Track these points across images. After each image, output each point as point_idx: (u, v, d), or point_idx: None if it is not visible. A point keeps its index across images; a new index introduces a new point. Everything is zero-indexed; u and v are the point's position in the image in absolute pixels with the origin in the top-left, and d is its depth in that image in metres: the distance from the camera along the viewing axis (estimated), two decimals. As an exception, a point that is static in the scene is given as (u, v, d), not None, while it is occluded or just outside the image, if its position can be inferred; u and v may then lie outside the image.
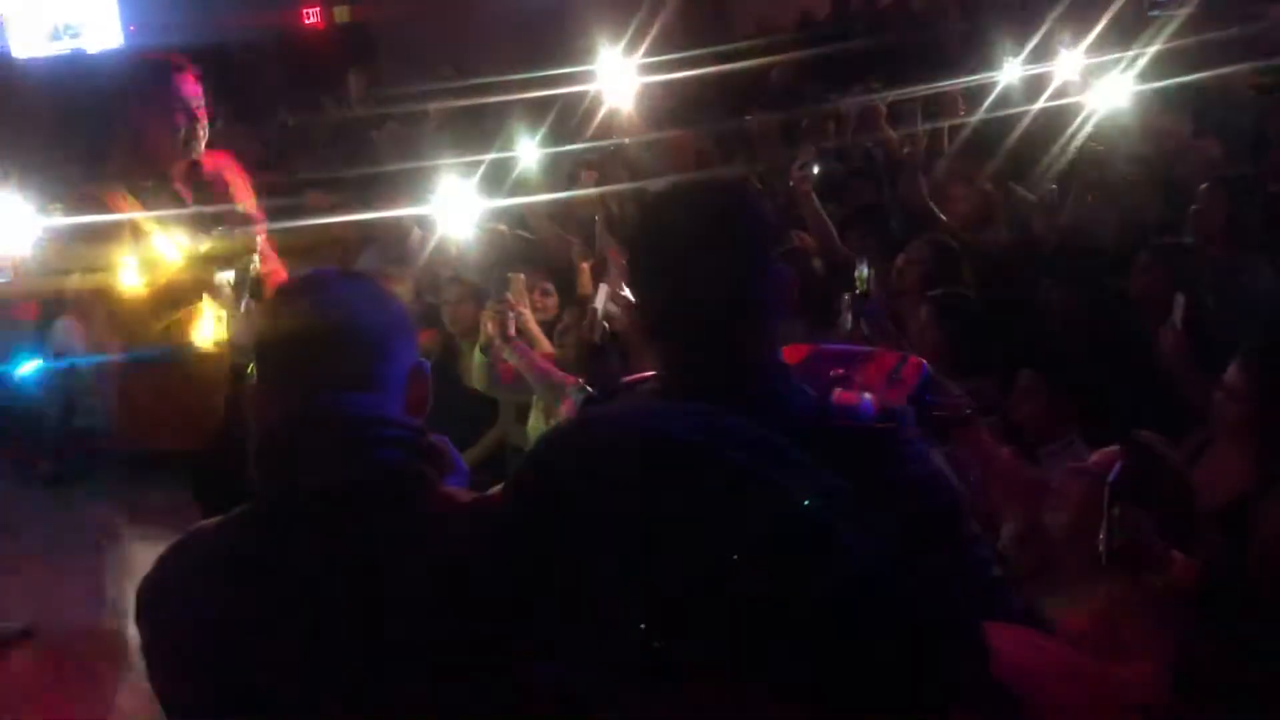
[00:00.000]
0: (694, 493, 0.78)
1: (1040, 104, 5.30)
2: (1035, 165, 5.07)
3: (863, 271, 3.67)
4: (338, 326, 1.35)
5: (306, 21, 11.67)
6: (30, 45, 10.50)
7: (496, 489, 1.40)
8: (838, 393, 1.40)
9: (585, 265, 4.72)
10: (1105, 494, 1.80)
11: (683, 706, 0.77)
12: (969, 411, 1.78)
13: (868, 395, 1.41)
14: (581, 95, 6.38)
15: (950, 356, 3.18)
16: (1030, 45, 6.00)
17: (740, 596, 0.75)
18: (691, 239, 1.42)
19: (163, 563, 1.35)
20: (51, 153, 8.71)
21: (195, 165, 3.10)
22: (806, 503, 0.79)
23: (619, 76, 5.80)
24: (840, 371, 1.47)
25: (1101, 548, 1.77)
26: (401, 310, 1.46)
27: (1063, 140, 4.89)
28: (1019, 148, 5.25)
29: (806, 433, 1.14)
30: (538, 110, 6.55)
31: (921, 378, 1.64)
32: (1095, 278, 3.88)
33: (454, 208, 4.31)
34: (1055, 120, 5.20)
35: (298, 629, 1.25)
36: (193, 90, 3.11)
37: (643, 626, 0.76)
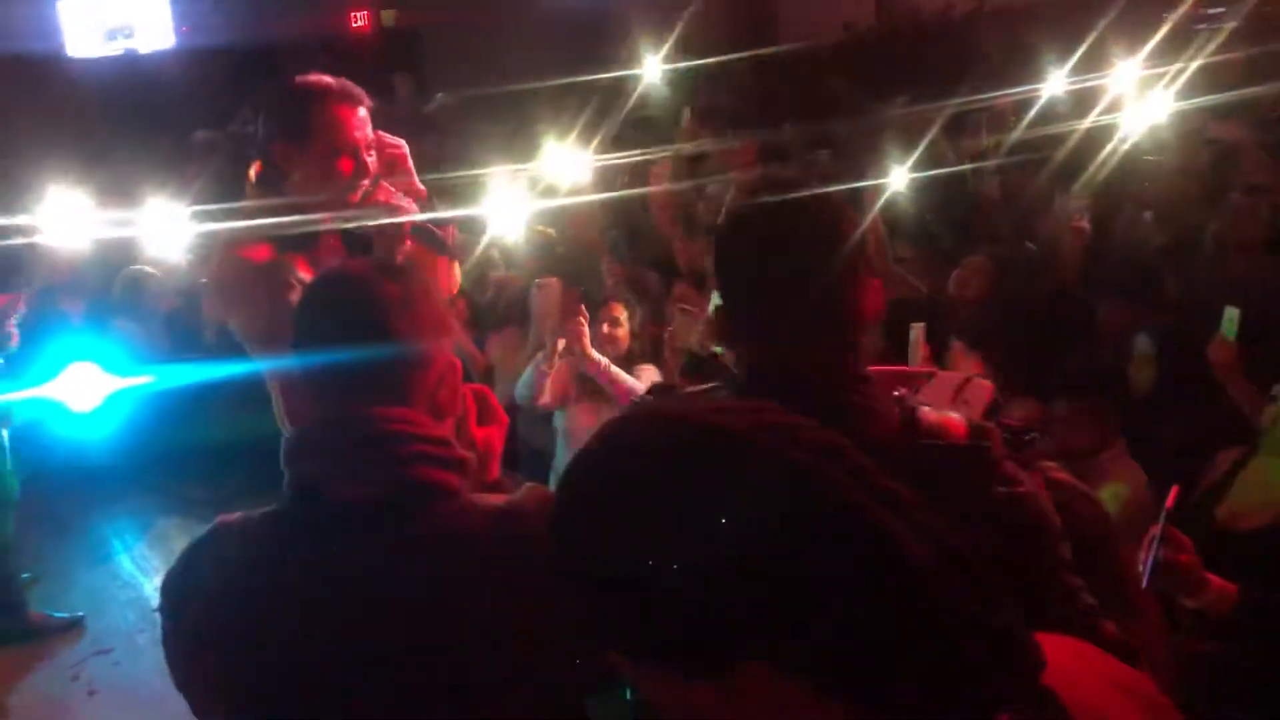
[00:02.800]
0: (747, 486, 0.77)
1: (1090, 119, 5.25)
2: (1077, 178, 5.04)
3: None
4: (374, 333, 1.34)
5: (354, 25, 11.78)
6: (85, 45, 10.69)
7: (524, 490, 1.41)
8: (925, 411, 1.37)
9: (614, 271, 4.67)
10: (1162, 519, 1.79)
11: (726, 700, 0.77)
12: (1033, 435, 1.77)
13: (955, 414, 1.38)
14: (626, 98, 6.41)
15: (1004, 373, 3.16)
16: (1074, 58, 5.95)
17: (790, 592, 0.75)
18: (789, 246, 1.39)
19: (187, 558, 1.35)
20: (104, 151, 8.88)
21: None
22: (862, 503, 0.77)
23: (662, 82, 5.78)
24: (903, 391, 1.43)
25: (1142, 569, 1.75)
26: (437, 308, 1.44)
27: (1107, 153, 4.84)
28: (1063, 161, 5.21)
29: (891, 447, 1.13)
30: (581, 112, 6.57)
31: (990, 399, 1.62)
32: (1145, 291, 3.85)
33: (503, 210, 4.27)
34: (1099, 133, 5.16)
35: (312, 632, 1.27)
36: (361, 128, 2.22)
37: (691, 618, 0.76)
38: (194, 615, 1.31)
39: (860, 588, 0.75)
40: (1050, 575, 1.35)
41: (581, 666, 1.34)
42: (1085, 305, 3.85)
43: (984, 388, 1.64)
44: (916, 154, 5.72)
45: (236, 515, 1.37)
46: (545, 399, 3.85)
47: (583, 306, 3.72)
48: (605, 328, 3.90)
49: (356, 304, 1.36)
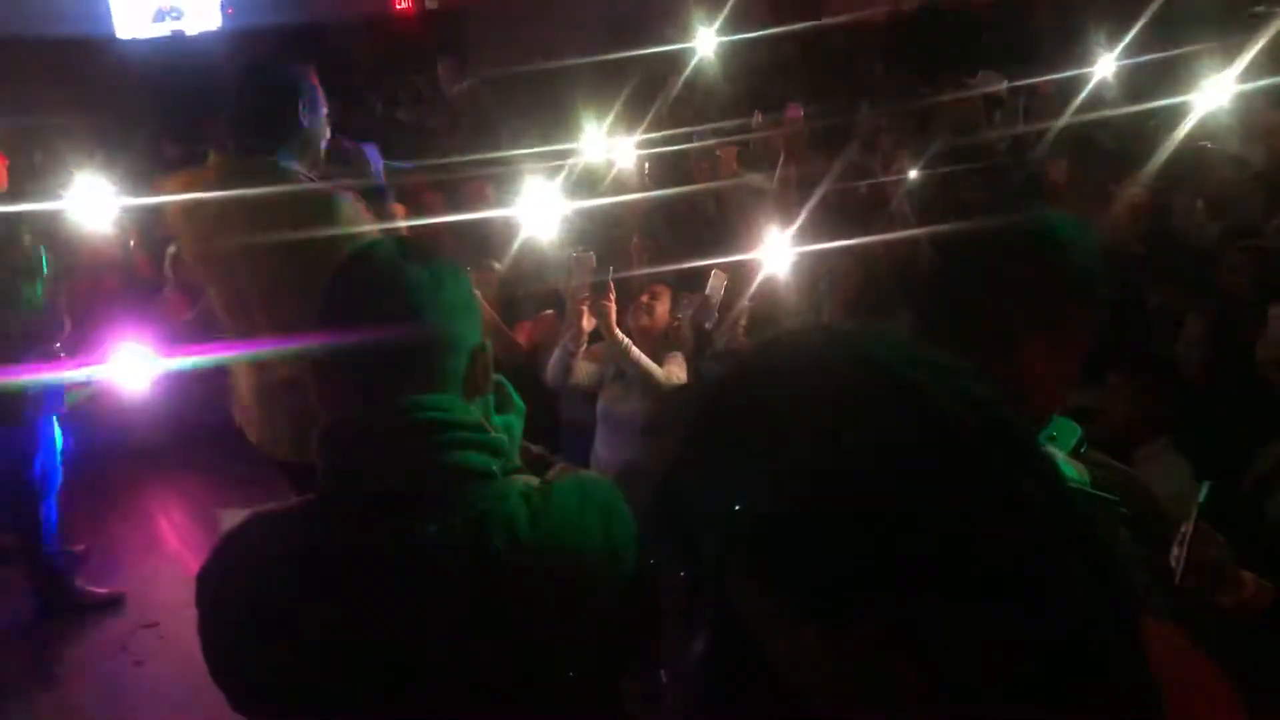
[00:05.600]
0: (910, 428, 0.74)
1: (1142, 104, 5.16)
2: (1137, 165, 4.94)
3: None
4: (406, 318, 1.32)
5: (397, 6, 11.83)
6: (134, 27, 10.82)
7: (558, 470, 1.41)
8: None
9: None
10: (1193, 515, 1.76)
11: (839, 650, 0.75)
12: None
13: None
14: (671, 81, 6.38)
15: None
16: (1125, 41, 5.85)
17: (927, 540, 0.72)
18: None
19: (223, 547, 1.34)
20: (152, 133, 9.00)
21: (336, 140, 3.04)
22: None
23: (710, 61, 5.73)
24: None
25: (1175, 565, 1.72)
26: (466, 287, 1.40)
27: (1168, 140, 4.74)
28: (1119, 147, 5.13)
29: None
30: (624, 92, 6.55)
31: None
32: (1197, 280, 3.79)
33: (539, 208, 4.24)
34: (1155, 118, 5.08)
35: (352, 620, 1.26)
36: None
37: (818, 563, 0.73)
38: (231, 606, 1.31)
39: (999, 558, 0.73)
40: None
41: (618, 647, 1.36)
42: (1137, 291, 3.79)
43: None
44: (963, 139, 5.67)
45: (271, 505, 1.36)
46: (576, 379, 3.86)
47: (611, 284, 3.73)
48: (642, 309, 3.89)
49: (388, 287, 1.33)
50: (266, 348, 2.88)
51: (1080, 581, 0.75)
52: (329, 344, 1.35)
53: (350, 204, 2.86)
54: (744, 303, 3.82)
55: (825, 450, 0.75)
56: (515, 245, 4.45)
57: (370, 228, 2.87)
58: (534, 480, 1.36)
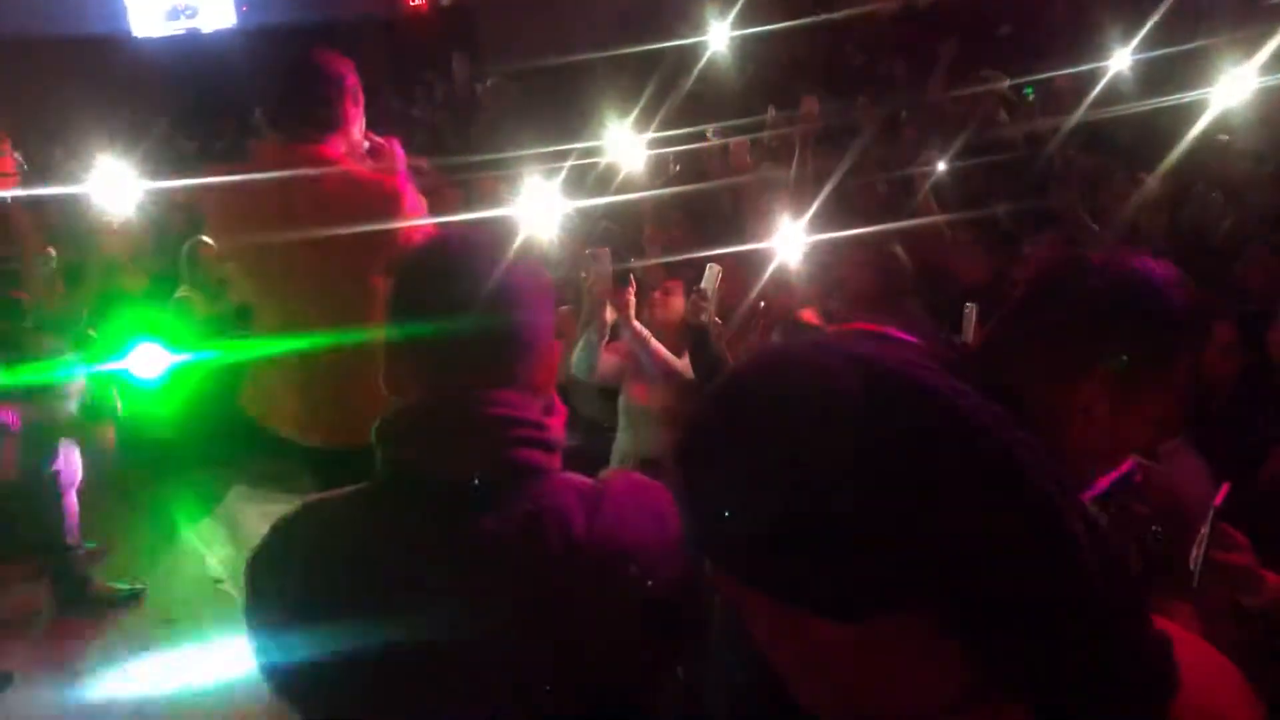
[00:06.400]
0: (925, 433, 0.75)
1: (1159, 98, 5.12)
2: (1152, 158, 4.91)
3: None
4: (481, 311, 1.31)
5: (411, 4, 11.85)
6: (150, 25, 10.88)
7: (611, 471, 1.41)
8: None
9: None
10: (1209, 516, 1.75)
11: (855, 646, 0.76)
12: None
13: None
14: (683, 77, 6.37)
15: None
16: (1140, 35, 5.81)
17: (954, 545, 0.73)
18: None
19: (274, 534, 1.33)
20: (167, 129, 9.04)
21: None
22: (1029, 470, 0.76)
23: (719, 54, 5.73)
24: None
25: (1194, 566, 1.71)
26: (539, 281, 1.39)
27: (1184, 134, 4.71)
28: (1135, 140, 5.10)
29: None
30: (637, 86, 6.55)
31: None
32: (1210, 277, 3.76)
33: (540, 208, 4.25)
34: (1172, 113, 5.04)
35: (399, 614, 1.25)
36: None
37: (853, 560, 0.74)
38: (284, 595, 1.30)
39: (1023, 553, 0.74)
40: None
41: (664, 648, 1.35)
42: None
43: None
44: (976, 132, 5.65)
45: (323, 495, 1.35)
46: (601, 373, 3.87)
47: (631, 277, 3.75)
48: (659, 299, 3.90)
49: (465, 278, 1.32)
50: (310, 337, 2.90)
51: (1094, 566, 0.75)
52: (403, 331, 1.34)
53: (409, 193, 2.92)
54: (756, 298, 3.83)
55: (839, 457, 0.75)
56: (523, 241, 4.45)
57: (427, 220, 2.93)
58: (588, 479, 1.36)
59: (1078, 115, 5.50)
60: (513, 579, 1.26)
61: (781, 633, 0.80)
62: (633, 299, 3.70)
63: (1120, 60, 5.77)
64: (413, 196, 2.94)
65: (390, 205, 2.86)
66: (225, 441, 4.58)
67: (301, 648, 1.29)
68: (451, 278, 1.34)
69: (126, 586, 4.46)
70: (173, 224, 6.28)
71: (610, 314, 3.78)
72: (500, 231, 1.37)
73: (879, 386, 0.77)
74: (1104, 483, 1.57)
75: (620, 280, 3.73)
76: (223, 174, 3.03)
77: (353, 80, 2.98)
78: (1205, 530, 1.74)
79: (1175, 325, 1.41)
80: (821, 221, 3.88)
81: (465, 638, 1.25)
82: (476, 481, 1.27)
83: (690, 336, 3.55)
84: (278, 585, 1.31)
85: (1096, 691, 0.75)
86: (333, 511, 1.33)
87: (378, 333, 1.39)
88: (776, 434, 0.77)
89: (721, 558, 0.81)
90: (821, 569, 0.74)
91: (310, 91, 2.92)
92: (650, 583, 1.30)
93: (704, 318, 3.48)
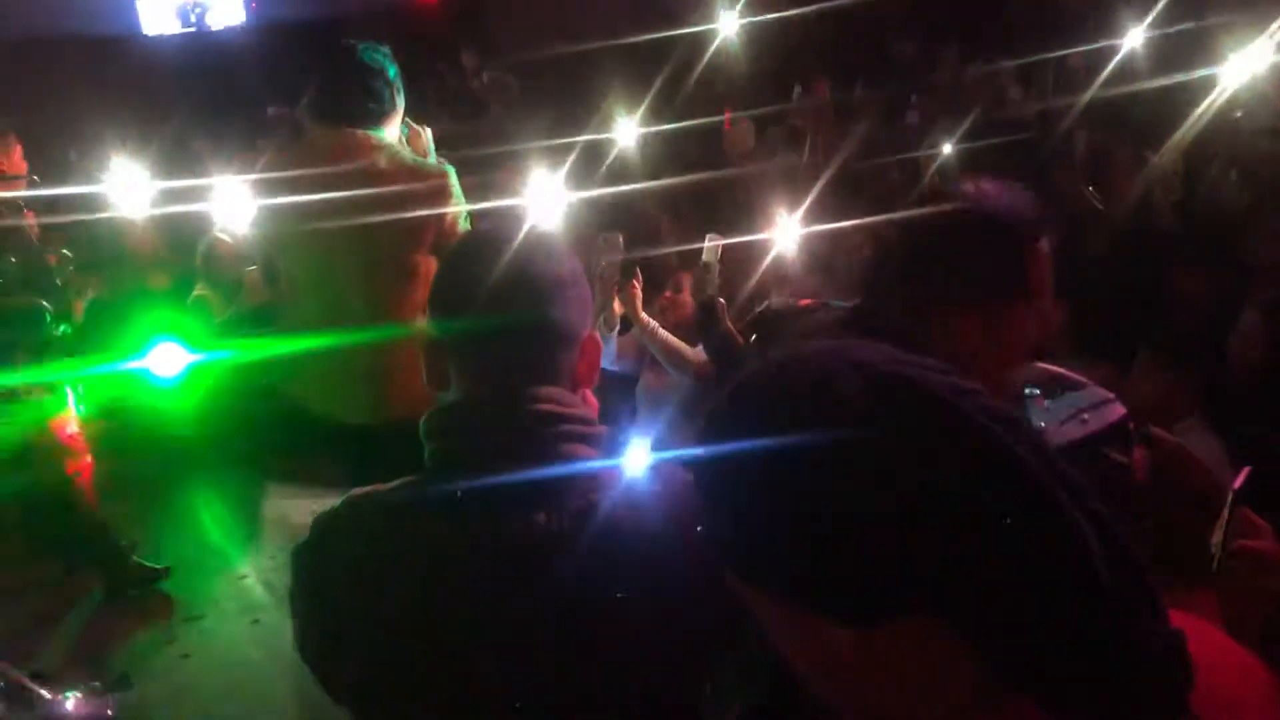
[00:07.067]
0: (937, 441, 0.75)
1: (1173, 75, 5.07)
2: (1165, 136, 4.87)
3: None
4: (528, 305, 1.31)
5: (420, -3, 11.83)
6: (160, 23, 10.91)
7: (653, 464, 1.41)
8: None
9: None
10: (1229, 500, 1.74)
11: (868, 650, 0.77)
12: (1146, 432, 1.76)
13: None
14: (694, 65, 6.34)
15: (1072, 337, 3.11)
16: (1155, 10, 5.74)
17: (967, 552, 0.74)
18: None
19: (321, 531, 1.33)
20: (179, 128, 9.06)
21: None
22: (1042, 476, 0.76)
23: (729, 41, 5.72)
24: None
25: (1215, 552, 1.71)
26: (579, 276, 1.39)
27: (1198, 110, 4.66)
28: (1148, 117, 5.05)
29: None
30: (646, 75, 6.52)
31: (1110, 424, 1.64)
32: (1226, 258, 3.74)
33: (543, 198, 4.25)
34: (1185, 90, 4.99)
35: (448, 609, 1.26)
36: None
37: (865, 566, 0.75)
38: (333, 589, 1.31)
39: (1034, 560, 0.75)
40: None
41: (706, 647, 1.35)
42: (1156, 266, 3.75)
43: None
44: (986, 112, 5.61)
45: (368, 489, 1.35)
46: (613, 364, 3.90)
47: (637, 270, 3.77)
48: (669, 300, 3.92)
49: (512, 272, 1.32)
50: (354, 328, 2.99)
51: (1100, 561, 0.76)
52: (446, 329, 1.34)
53: (454, 181, 3.04)
54: (767, 286, 3.82)
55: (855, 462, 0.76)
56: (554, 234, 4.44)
57: (475, 206, 3.08)
58: (633, 476, 1.36)
59: (1089, 93, 5.46)
60: (563, 575, 1.26)
61: (795, 636, 0.81)
62: (639, 291, 3.71)
63: (1133, 38, 5.71)
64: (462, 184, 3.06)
65: (441, 190, 2.98)
66: (247, 438, 4.61)
67: (346, 642, 1.30)
68: (493, 275, 1.33)
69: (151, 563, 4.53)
70: (190, 227, 6.30)
71: (619, 307, 3.79)
72: (537, 227, 1.37)
73: (880, 391, 0.78)
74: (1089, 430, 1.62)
75: (625, 273, 3.74)
76: (274, 162, 3.12)
77: (395, 71, 3.08)
78: (1225, 514, 1.73)
79: (1014, 234, 1.53)
80: (831, 206, 3.87)
81: (513, 634, 1.26)
82: (527, 477, 1.27)
83: (698, 314, 3.54)
84: (323, 578, 1.32)
85: (1108, 689, 0.76)
86: (380, 505, 1.33)
87: (420, 314, 1.40)
88: (781, 439, 0.78)
89: (735, 561, 0.82)
90: (831, 573, 0.76)
91: (360, 83, 3.00)
92: (694, 581, 1.29)
93: (710, 292, 3.45)
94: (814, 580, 0.76)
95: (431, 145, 3.27)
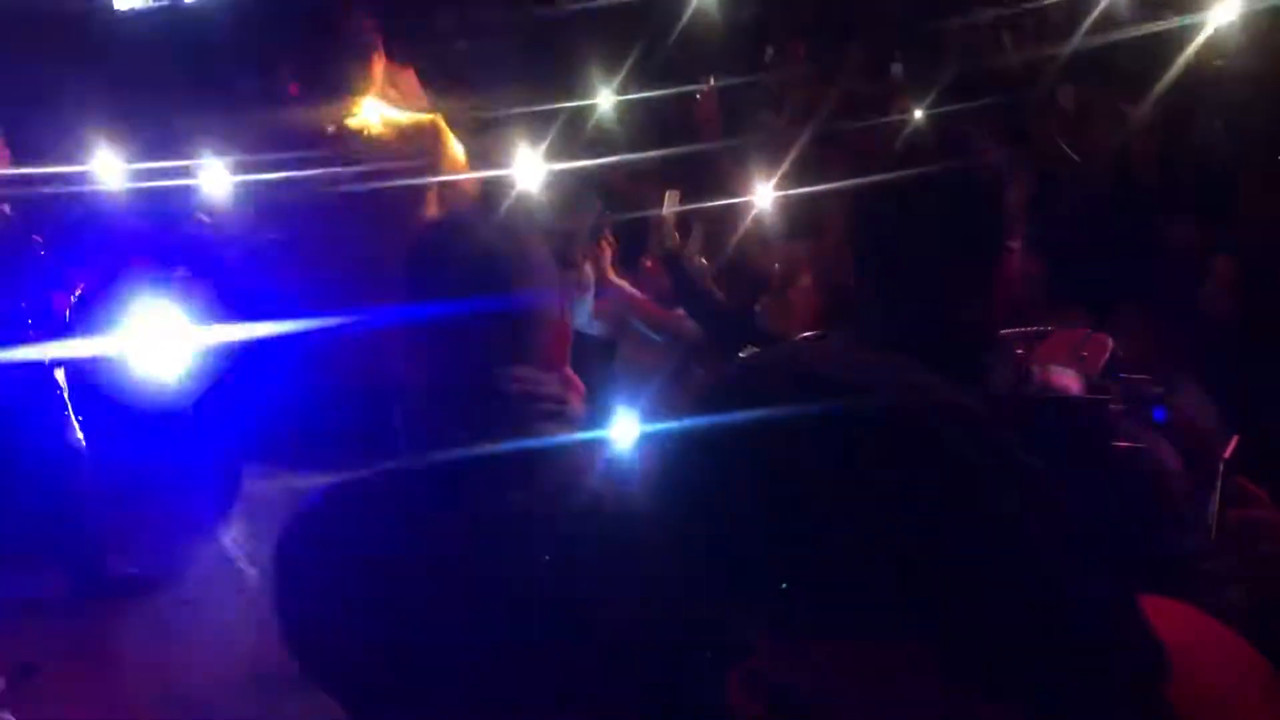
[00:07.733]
0: (881, 449, 0.74)
1: (1154, 23, 5.01)
2: (1146, 83, 4.81)
3: None
4: (497, 289, 1.33)
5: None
6: (131, -2, 10.74)
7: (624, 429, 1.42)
8: (1044, 369, 1.41)
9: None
10: (1220, 469, 1.72)
11: (838, 663, 0.76)
12: (1159, 391, 1.73)
13: (1071, 372, 1.42)
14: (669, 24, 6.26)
15: (1046, 287, 3.09)
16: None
17: (915, 559, 0.73)
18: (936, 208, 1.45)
19: (302, 514, 1.37)
20: (152, 103, 8.95)
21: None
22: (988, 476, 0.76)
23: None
24: (1021, 350, 1.46)
25: (1210, 521, 1.69)
26: (550, 260, 1.42)
27: (1178, 57, 4.60)
28: (1126, 64, 5.00)
29: (1012, 407, 1.12)
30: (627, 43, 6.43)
31: (1108, 356, 1.62)
32: (1214, 207, 3.71)
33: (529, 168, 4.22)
34: (1167, 37, 4.92)
35: (425, 588, 1.27)
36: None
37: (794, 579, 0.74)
38: (312, 572, 1.34)
39: (978, 560, 0.73)
40: (1169, 535, 1.35)
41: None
42: (1135, 215, 3.73)
43: (1102, 342, 1.63)
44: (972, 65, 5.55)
45: (346, 474, 1.38)
46: (589, 326, 3.87)
47: (607, 232, 3.75)
48: (650, 262, 3.89)
49: (479, 257, 1.35)
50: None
51: (1061, 560, 0.75)
52: (419, 311, 1.37)
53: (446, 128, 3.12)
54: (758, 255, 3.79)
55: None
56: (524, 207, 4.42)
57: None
58: (610, 453, 1.38)
59: (1074, 42, 5.39)
60: (540, 553, 1.27)
61: (776, 650, 0.80)
62: (608, 252, 3.69)
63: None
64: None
65: (435, 139, 3.07)
66: (236, 422, 4.60)
67: (330, 624, 1.32)
68: (464, 257, 1.36)
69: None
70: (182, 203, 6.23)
71: (590, 270, 3.77)
72: (508, 206, 1.40)
73: (847, 396, 0.77)
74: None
75: (594, 232, 3.72)
76: (262, 133, 3.13)
77: (380, 35, 3.19)
78: (1218, 482, 1.71)
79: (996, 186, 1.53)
80: (807, 169, 3.83)
81: (495, 612, 1.26)
82: (502, 457, 1.28)
83: (672, 274, 3.53)
84: (305, 562, 1.35)
85: (1079, 684, 0.74)
86: (359, 489, 1.36)
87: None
88: (754, 448, 0.77)
89: (713, 575, 0.80)
90: (804, 589, 0.74)
91: (343, 48, 3.09)
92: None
93: (670, 244, 3.45)
94: (790, 596, 0.75)
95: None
